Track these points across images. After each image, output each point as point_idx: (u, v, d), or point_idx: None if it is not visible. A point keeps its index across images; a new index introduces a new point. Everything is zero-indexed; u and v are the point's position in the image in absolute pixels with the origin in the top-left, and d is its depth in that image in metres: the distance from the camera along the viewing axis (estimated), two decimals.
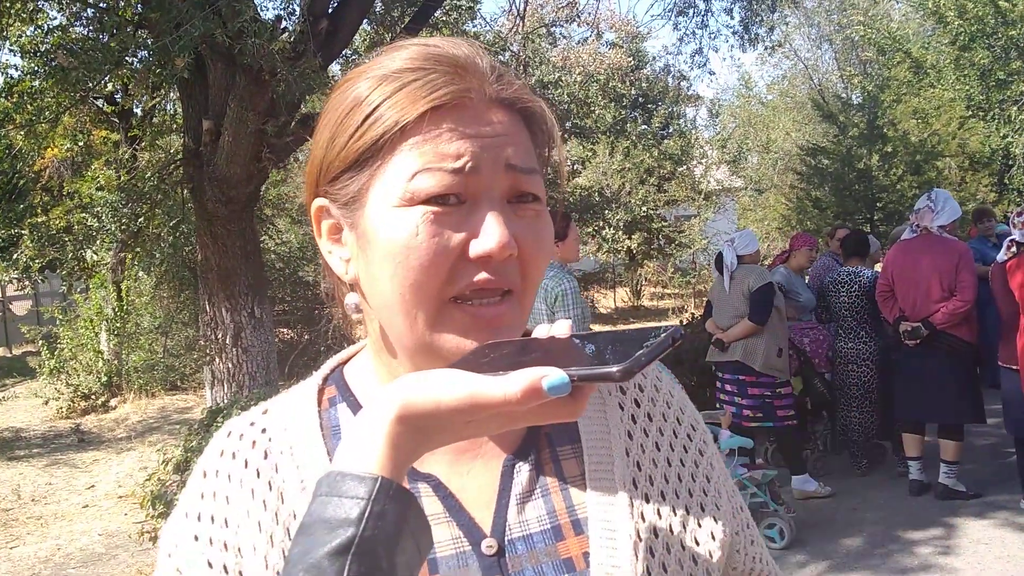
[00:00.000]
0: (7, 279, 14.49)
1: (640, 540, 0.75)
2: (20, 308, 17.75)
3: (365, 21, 6.93)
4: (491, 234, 0.66)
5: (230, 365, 5.79)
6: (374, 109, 0.69)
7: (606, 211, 16.67)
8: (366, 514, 0.52)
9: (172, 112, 8.85)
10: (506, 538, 0.74)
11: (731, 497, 0.86)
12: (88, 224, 8.01)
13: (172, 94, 7.49)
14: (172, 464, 4.39)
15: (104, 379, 10.33)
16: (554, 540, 0.74)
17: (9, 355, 16.08)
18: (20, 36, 6.37)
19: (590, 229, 17.03)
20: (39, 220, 10.26)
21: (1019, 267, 4.63)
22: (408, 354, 0.73)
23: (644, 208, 16.86)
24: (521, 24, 10.32)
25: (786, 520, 4.68)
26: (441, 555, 0.72)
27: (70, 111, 6.86)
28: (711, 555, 0.79)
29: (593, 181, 16.90)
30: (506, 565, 0.73)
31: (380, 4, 7.24)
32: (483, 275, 0.67)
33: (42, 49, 6.10)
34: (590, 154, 17.43)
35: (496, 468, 0.77)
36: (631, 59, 19.32)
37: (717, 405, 5.56)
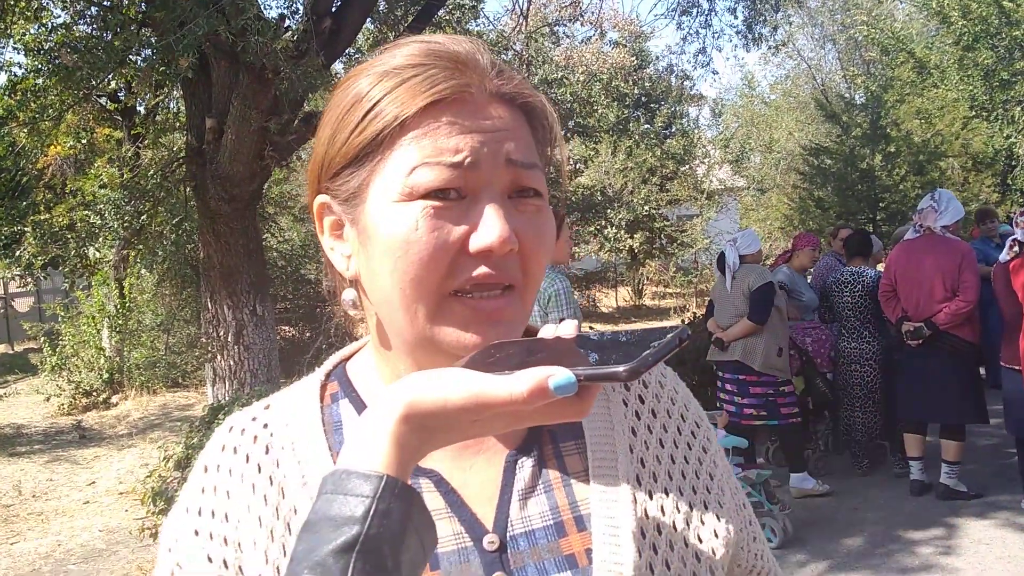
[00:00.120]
0: (10, 276, 14.53)
1: (643, 537, 0.75)
2: (23, 305, 17.79)
3: (368, 20, 6.93)
4: (491, 228, 0.66)
5: (232, 362, 5.79)
6: (374, 105, 0.69)
7: (608, 210, 16.66)
8: (371, 512, 0.52)
9: (175, 110, 8.85)
10: (508, 534, 0.74)
11: (734, 494, 0.86)
12: (91, 221, 8.03)
13: (175, 92, 7.50)
14: (173, 461, 4.40)
15: (106, 376, 10.34)
16: (557, 536, 0.74)
17: (11, 352, 16.10)
18: (24, 34, 6.38)
19: (592, 228, 17.03)
20: (42, 217, 10.28)
21: (1022, 267, 4.62)
22: (408, 349, 0.73)
23: (646, 207, 16.85)
24: (524, 23, 10.31)
25: (780, 519, 4.67)
26: (442, 551, 0.72)
27: (73, 109, 6.87)
28: (714, 552, 0.79)
29: (596, 180, 16.90)
30: (508, 561, 0.73)
31: (383, 3, 7.24)
32: (483, 269, 0.67)
33: (46, 47, 6.10)
34: (593, 153, 17.43)
35: (499, 464, 0.77)
36: (634, 58, 19.33)
37: (718, 404, 5.57)
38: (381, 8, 7.25)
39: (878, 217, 13.73)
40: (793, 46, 23.87)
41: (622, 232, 16.69)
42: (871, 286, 5.59)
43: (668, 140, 18.88)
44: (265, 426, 0.79)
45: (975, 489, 5.25)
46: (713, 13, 10.38)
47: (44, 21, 6.27)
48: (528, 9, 10.28)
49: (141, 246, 9.48)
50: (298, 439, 0.77)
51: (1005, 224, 7.33)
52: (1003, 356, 4.90)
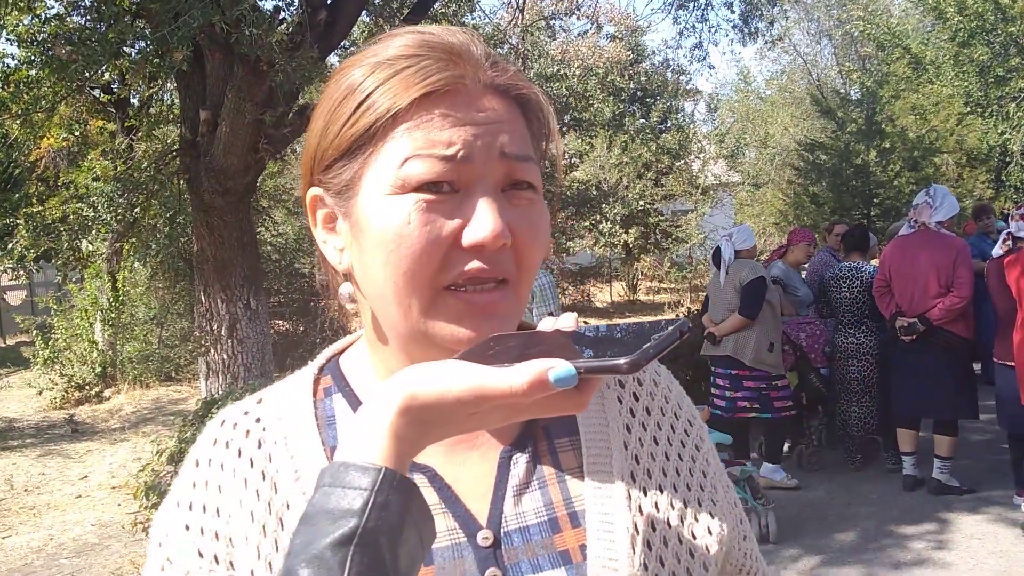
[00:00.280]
0: (2, 269, 14.44)
1: (638, 533, 0.75)
2: (15, 298, 17.73)
3: (364, 12, 6.91)
4: (484, 222, 0.65)
5: (225, 356, 5.78)
6: (367, 96, 0.68)
7: (603, 205, 16.67)
8: (369, 505, 0.52)
9: (169, 102, 8.80)
10: (502, 530, 0.73)
11: (726, 492, 0.86)
12: (84, 214, 7.98)
13: (169, 84, 7.45)
14: (166, 455, 4.40)
15: (98, 369, 10.32)
16: (551, 532, 0.74)
17: (3, 345, 16.07)
18: (17, 25, 6.33)
19: (587, 223, 17.03)
20: (34, 210, 10.21)
21: (1017, 262, 4.63)
22: (401, 343, 0.72)
23: (641, 202, 16.87)
24: (520, 17, 10.30)
25: (763, 515, 4.68)
26: (436, 547, 0.72)
27: (66, 100, 6.83)
28: (708, 549, 0.79)
29: (591, 175, 16.90)
30: (502, 557, 0.72)
31: None
32: (476, 264, 0.66)
33: (39, 38, 6.06)
34: (588, 148, 17.42)
35: (493, 459, 0.76)
36: (630, 53, 19.31)
37: (711, 400, 5.58)
38: (376, 0, 7.23)
39: (872, 213, 13.75)
40: (789, 41, 23.89)
41: (617, 227, 16.70)
42: (869, 281, 5.58)
43: (663, 135, 18.87)
44: (257, 420, 0.78)
45: (968, 484, 5.27)
46: (709, 7, 10.42)
47: (37, 12, 6.21)
48: (524, 3, 10.27)
49: (134, 239, 9.45)
50: (291, 433, 0.76)
51: (1002, 221, 7.33)
52: (996, 352, 4.91)
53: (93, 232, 9.22)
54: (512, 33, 11.32)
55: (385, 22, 7.31)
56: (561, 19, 17.80)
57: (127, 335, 10.58)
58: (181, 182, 6.65)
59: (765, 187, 20.21)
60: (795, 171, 16.08)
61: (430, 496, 0.74)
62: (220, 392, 5.45)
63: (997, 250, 4.87)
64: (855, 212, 13.76)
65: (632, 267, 18.95)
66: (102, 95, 9.62)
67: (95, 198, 7.39)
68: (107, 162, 7.59)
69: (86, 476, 7.05)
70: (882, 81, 16.13)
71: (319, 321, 9.63)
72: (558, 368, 0.54)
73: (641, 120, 19.29)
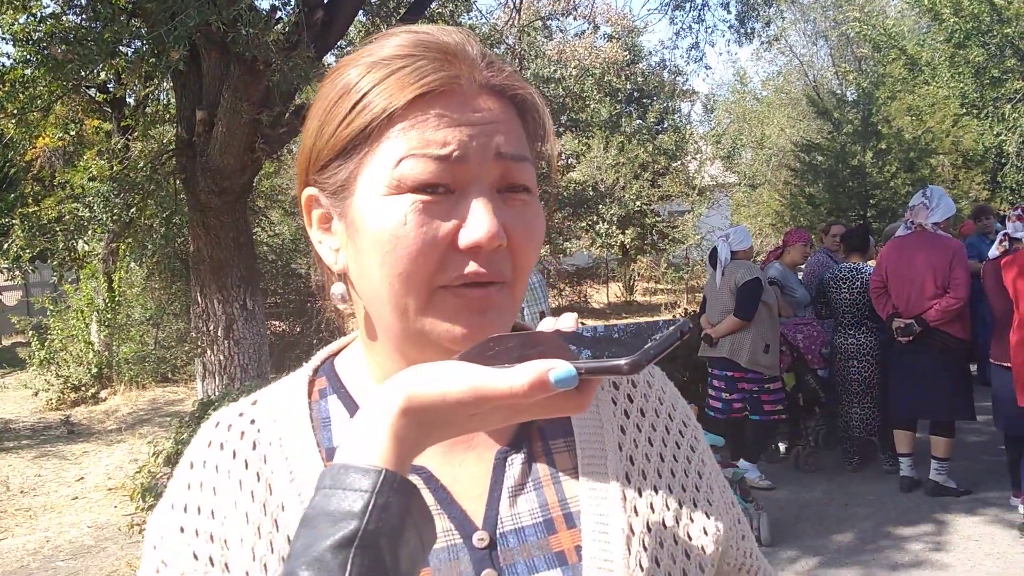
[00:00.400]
0: None
1: (633, 534, 0.75)
2: (10, 298, 17.70)
3: (360, 12, 6.90)
4: (480, 224, 0.65)
5: (221, 357, 5.77)
6: (362, 96, 0.68)
7: (600, 206, 16.66)
8: (370, 507, 0.52)
9: (165, 102, 8.79)
10: (498, 531, 0.73)
11: (723, 492, 0.86)
12: (79, 214, 7.95)
13: (165, 84, 7.44)
14: (162, 456, 4.39)
15: (94, 370, 10.29)
16: (546, 533, 0.74)
17: None
18: (12, 24, 6.31)
19: (584, 224, 17.03)
20: (30, 210, 10.17)
21: (1013, 263, 4.64)
22: (396, 344, 0.72)
23: (638, 203, 16.86)
24: (517, 17, 10.30)
25: (754, 517, 4.67)
26: (432, 548, 0.71)
27: (62, 100, 6.82)
28: (704, 549, 0.79)
29: (587, 175, 16.89)
30: (498, 558, 0.72)
31: None
32: (473, 267, 0.66)
33: (35, 37, 6.04)
34: (584, 148, 17.42)
35: (488, 460, 0.76)
36: (627, 53, 19.31)
37: (707, 401, 5.58)
38: (373, 0, 7.23)
39: (868, 214, 13.76)
40: (785, 42, 23.89)
41: (613, 228, 16.70)
42: (869, 282, 5.59)
43: (660, 136, 18.88)
44: (252, 422, 0.78)
45: (964, 485, 5.28)
46: (706, 8, 10.43)
47: (33, 11, 6.20)
48: (521, 3, 10.26)
49: (130, 239, 9.41)
50: (286, 435, 0.76)
51: (999, 222, 7.35)
52: (993, 353, 4.92)
53: (89, 232, 9.19)
54: (509, 33, 11.31)
55: (382, 22, 7.31)
56: (558, 19, 17.82)
57: (123, 336, 10.56)
58: (177, 182, 6.63)
59: (761, 188, 20.23)
60: (791, 172, 16.09)
61: (426, 497, 0.73)
62: (216, 393, 5.44)
63: (994, 251, 4.88)
64: (851, 213, 13.77)
65: (629, 268, 18.96)
66: (98, 95, 9.61)
67: (91, 198, 7.37)
68: (103, 162, 7.56)
69: (82, 478, 7.03)
70: (878, 82, 16.14)
71: (315, 322, 9.61)
72: (559, 369, 0.54)
73: (638, 121, 19.28)
